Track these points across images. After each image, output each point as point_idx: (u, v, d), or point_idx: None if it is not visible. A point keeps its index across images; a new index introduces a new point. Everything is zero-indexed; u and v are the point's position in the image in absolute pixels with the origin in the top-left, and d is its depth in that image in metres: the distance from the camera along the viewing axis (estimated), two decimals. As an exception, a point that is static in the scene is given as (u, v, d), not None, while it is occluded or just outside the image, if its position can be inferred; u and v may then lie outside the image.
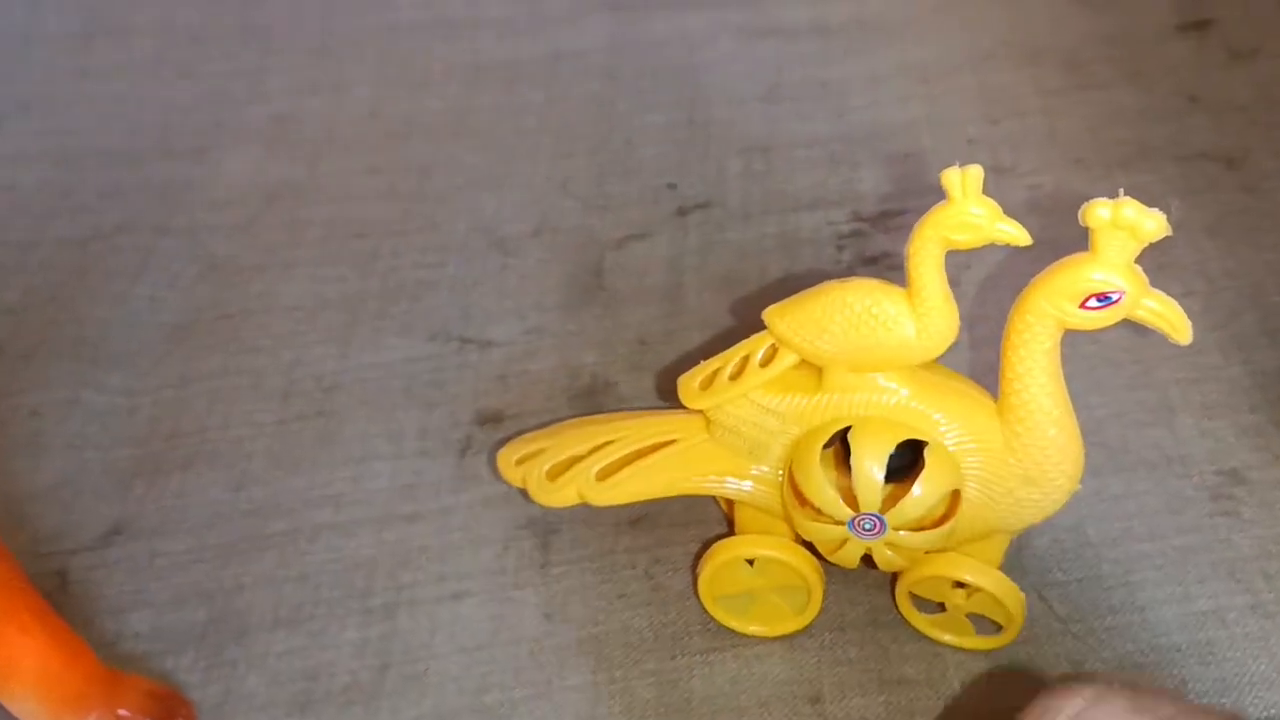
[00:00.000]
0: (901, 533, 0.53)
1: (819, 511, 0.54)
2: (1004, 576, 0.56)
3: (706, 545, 0.60)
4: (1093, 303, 0.49)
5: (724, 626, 0.59)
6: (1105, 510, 0.64)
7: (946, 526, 0.53)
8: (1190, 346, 0.71)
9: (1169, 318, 0.50)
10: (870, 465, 0.52)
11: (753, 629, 0.60)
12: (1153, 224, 0.47)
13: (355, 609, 0.61)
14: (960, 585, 0.57)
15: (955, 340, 0.52)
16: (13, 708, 0.49)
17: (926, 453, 0.52)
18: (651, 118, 0.91)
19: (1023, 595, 0.57)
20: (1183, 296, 0.74)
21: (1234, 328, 0.72)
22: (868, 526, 0.53)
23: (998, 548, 0.58)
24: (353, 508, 0.66)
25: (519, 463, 0.62)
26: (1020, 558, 0.62)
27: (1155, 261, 0.78)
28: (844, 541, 0.55)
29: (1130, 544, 0.62)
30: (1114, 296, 0.49)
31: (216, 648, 0.60)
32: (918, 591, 0.59)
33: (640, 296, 0.78)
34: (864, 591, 0.61)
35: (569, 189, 0.86)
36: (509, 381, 0.73)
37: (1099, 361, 0.71)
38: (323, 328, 0.77)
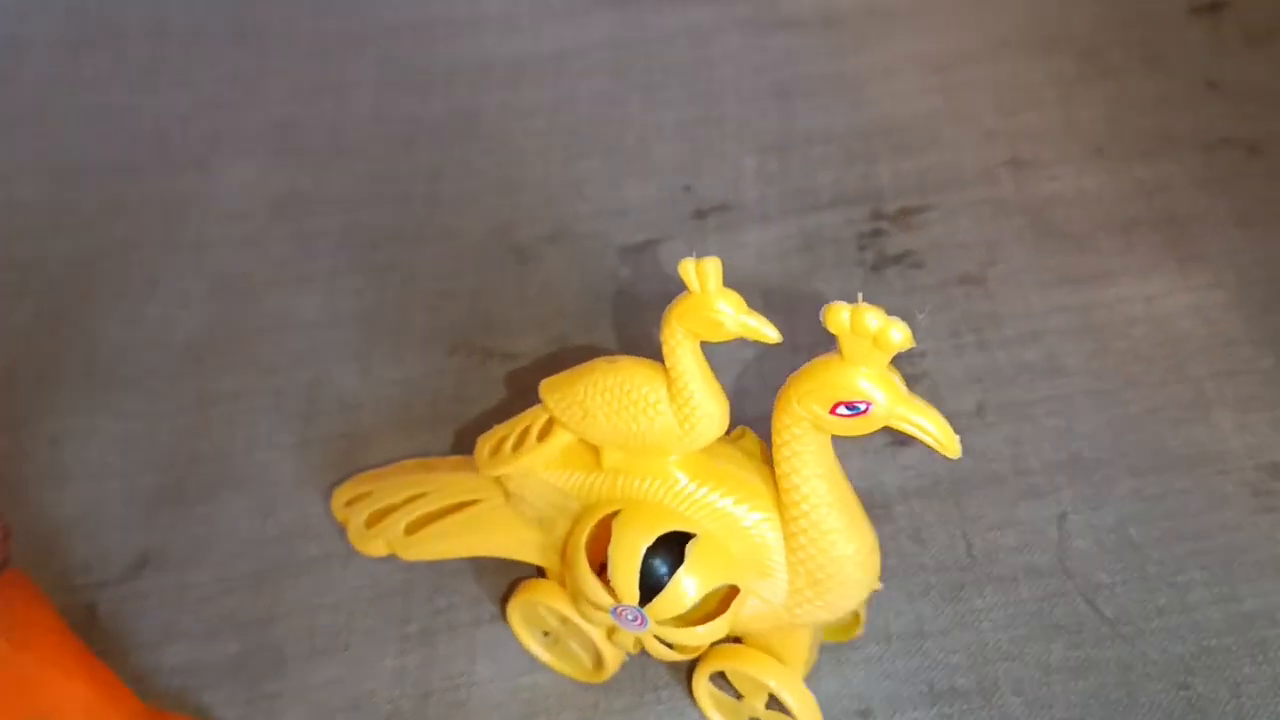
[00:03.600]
0: (668, 628, 0.51)
1: (586, 594, 0.52)
2: (798, 681, 0.53)
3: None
4: (842, 410, 0.45)
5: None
6: (1146, 510, 0.63)
7: (716, 624, 0.51)
8: (1222, 340, 0.72)
9: (932, 432, 0.45)
10: (624, 556, 0.49)
11: (556, 664, 0.59)
12: (899, 335, 0.42)
13: (393, 636, 0.60)
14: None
15: (725, 427, 0.49)
16: (57, 754, 0.48)
17: (691, 546, 0.49)
18: (663, 116, 0.90)
19: (816, 706, 0.54)
20: (1212, 288, 0.75)
21: (1268, 320, 0.71)
22: (630, 617, 0.51)
23: (801, 643, 0.54)
24: (383, 529, 0.65)
25: (349, 504, 0.62)
26: (1064, 559, 0.61)
27: (1185, 252, 0.78)
28: (614, 627, 0.53)
29: (1174, 544, 0.62)
30: (861, 406, 0.45)
31: (254, 680, 0.58)
32: (730, 678, 0.56)
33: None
34: (907, 601, 0.60)
35: (583, 192, 0.84)
36: (534, 396, 0.72)
37: (1131, 358, 0.70)
38: (341, 344, 0.75)
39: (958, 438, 0.46)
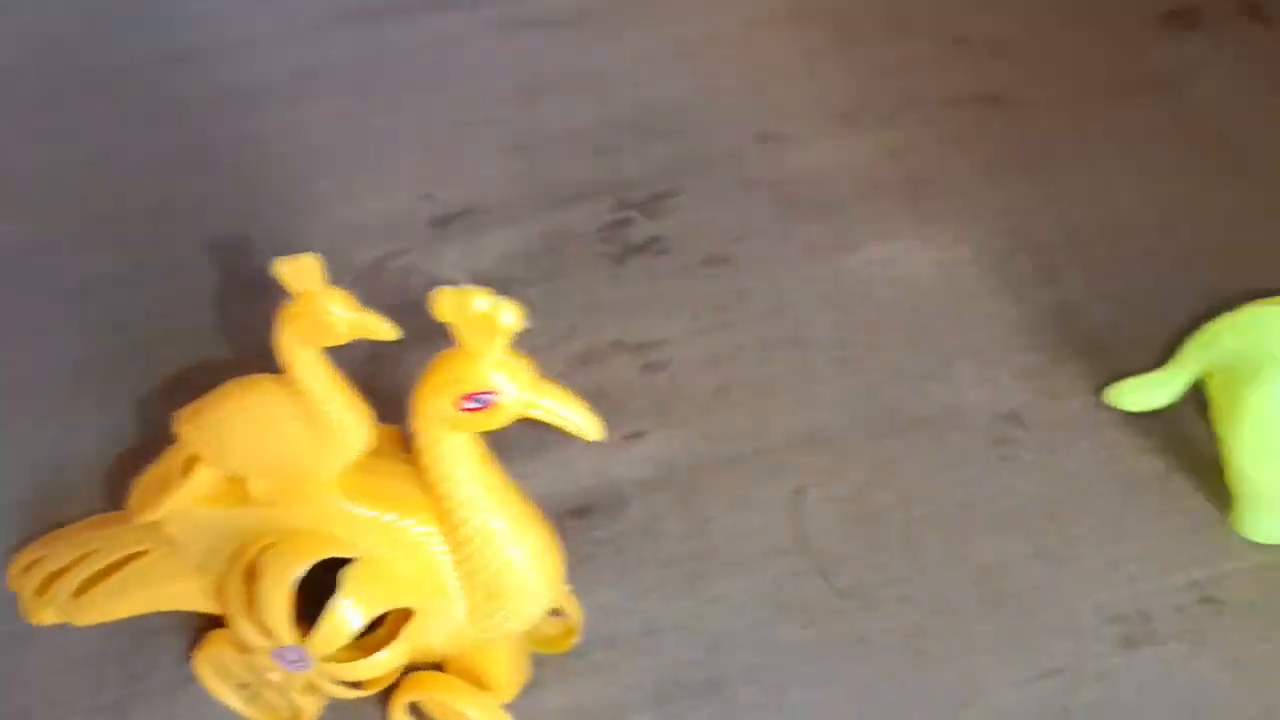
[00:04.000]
0: (336, 665, 0.47)
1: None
2: (493, 707, 0.49)
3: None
4: (469, 403, 0.42)
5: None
6: (885, 475, 0.60)
7: (388, 653, 0.47)
8: (964, 294, 0.70)
9: (569, 417, 0.42)
10: (273, 591, 0.46)
11: (259, 717, 0.54)
12: (510, 317, 0.40)
13: (82, 709, 0.55)
14: None
15: (368, 438, 0.45)
16: None
17: (345, 572, 0.45)
18: (406, 128, 0.86)
19: None
20: (954, 244, 0.74)
21: (1008, 270, 0.70)
22: (292, 658, 0.47)
23: (502, 661, 0.50)
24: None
25: (25, 570, 0.57)
26: (802, 536, 0.59)
27: (929, 211, 0.77)
28: (284, 674, 0.49)
29: (912, 506, 0.59)
30: (487, 397, 0.41)
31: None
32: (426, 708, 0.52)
33: (399, 315, 0.73)
34: (638, 599, 0.56)
35: (319, 213, 0.80)
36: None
37: (874, 322, 0.68)
38: (48, 404, 0.70)
39: (598, 421, 0.43)
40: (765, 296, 0.71)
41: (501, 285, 0.73)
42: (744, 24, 0.91)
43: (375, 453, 0.46)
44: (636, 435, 0.64)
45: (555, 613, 0.53)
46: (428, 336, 0.74)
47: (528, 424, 0.65)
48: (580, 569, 0.58)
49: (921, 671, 0.53)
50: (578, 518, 0.61)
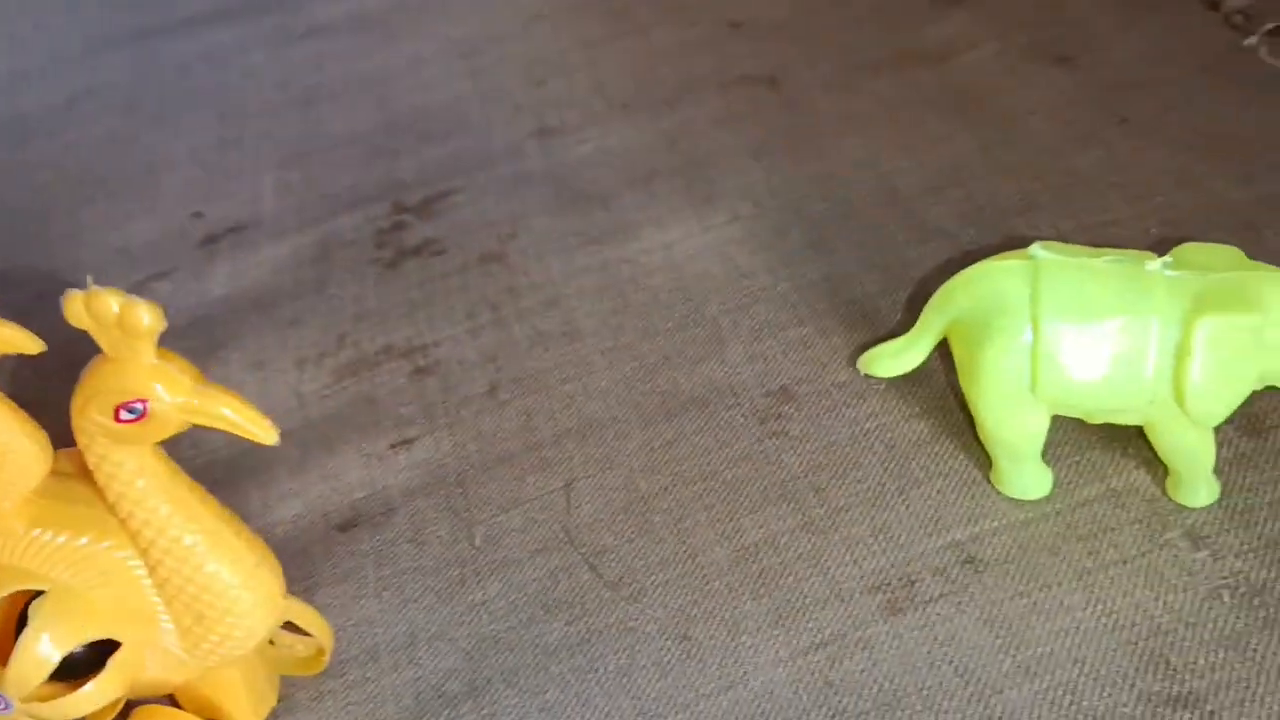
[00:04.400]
0: (41, 704, 0.43)
1: None
2: None
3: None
4: (124, 414, 0.39)
5: None
6: (655, 460, 0.59)
7: (94, 688, 0.44)
8: (738, 273, 0.69)
9: (236, 420, 0.40)
10: None
11: None
12: (147, 317, 0.38)
13: None
14: None
15: (46, 462, 0.43)
16: None
17: (34, 606, 0.43)
18: (177, 146, 0.83)
19: None
20: (728, 224, 0.73)
21: (780, 246, 0.69)
22: None
23: (234, 689, 0.48)
24: None
25: None
26: (571, 529, 0.57)
27: (704, 193, 0.76)
28: None
29: (681, 489, 0.58)
30: (138, 406, 0.39)
31: None
32: None
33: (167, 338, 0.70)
34: (399, 609, 0.54)
35: (86, 239, 0.77)
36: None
37: (649, 309, 0.67)
38: None
39: (269, 422, 0.40)
40: (538, 291, 0.69)
41: (271, 299, 0.71)
42: (524, 19, 0.90)
43: (66, 476, 0.44)
44: (405, 442, 0.62)
45: (299, 631, 0.51)
46: (197, 356, 0.71)
47: (288, 438, 0.63)
48: (343, 584, 0.56)
49: (687, 657, 0.51)
50: (343, 531, 0.59)
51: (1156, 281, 0.49)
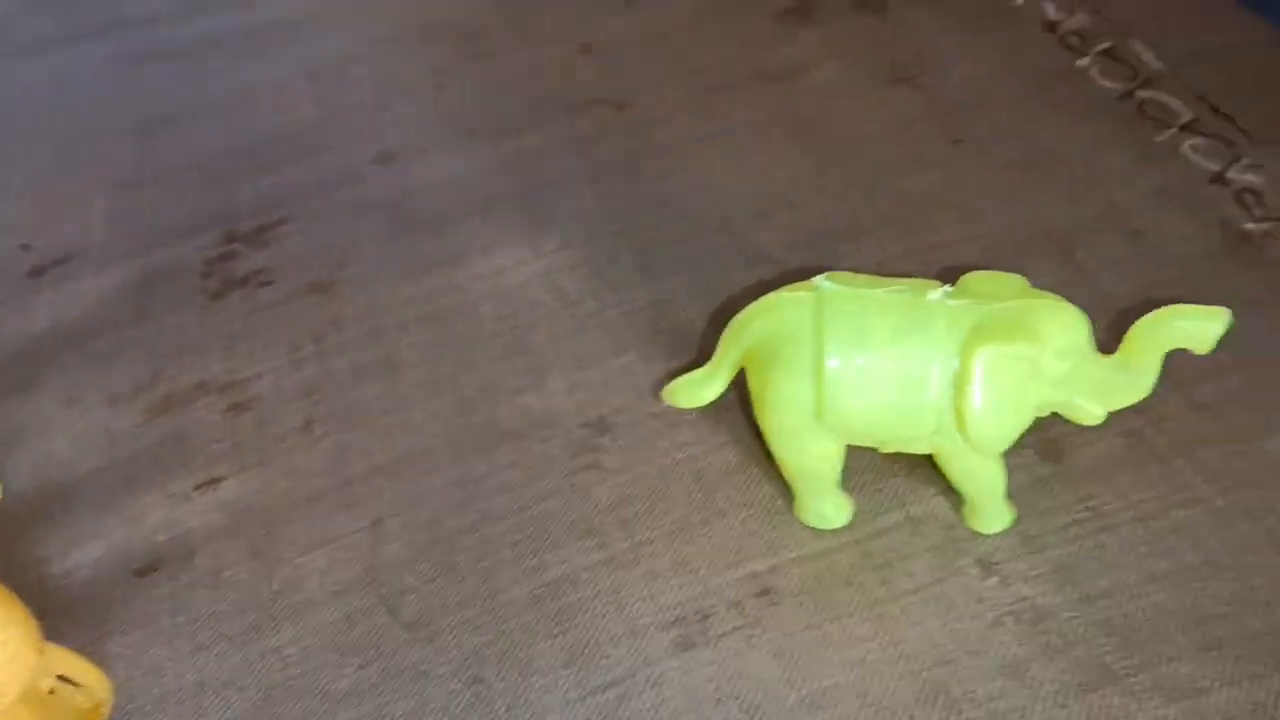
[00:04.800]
0: None
1: None
2: None
3: None
4: None
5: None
6: (465, 496, 0.58)
7: None
8: (566, 301, 0.68)
9: None
10: None
11: None
12: None
13: None
14: None
15: None
16: None
17: None
18: (8, 174, 0.81)
19: None
20: (559, 251, 0.72)
21: (610, 272, 0.69)
22: None
23: None
24: None
25: None
26: (374, 570, 0.56)
27: (539, 219, 0.75)
28: None
29: (488, 525, 0.57)
30: None
31: None
32: None
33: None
34: (191, 656, 0.53)
35: (-100, 274, 0.74)
36: None
37: (473, 338, 0.66)
38: None
39: None
40: (363, 321, 0.68)
41: (90, 332, 0.70)
42: (373, 42, 0.89)
43: None
44: (213, 482, 0.60)
45: (72, 683, 0.49)
46: (10, 393, 0.69)
47: (94, 478, 0.62)
48: (137, 631, 0.55)
49: (477, 700, 0.50)
50: (141, 576, 0.57)
51: (938, 311, 0.49)
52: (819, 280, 0.51)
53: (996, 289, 0.50)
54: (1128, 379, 0.50)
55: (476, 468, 0.60)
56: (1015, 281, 0.51)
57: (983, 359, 0.48)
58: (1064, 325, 0.49)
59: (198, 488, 0.60)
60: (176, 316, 0.69)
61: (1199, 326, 0.49)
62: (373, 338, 0.67)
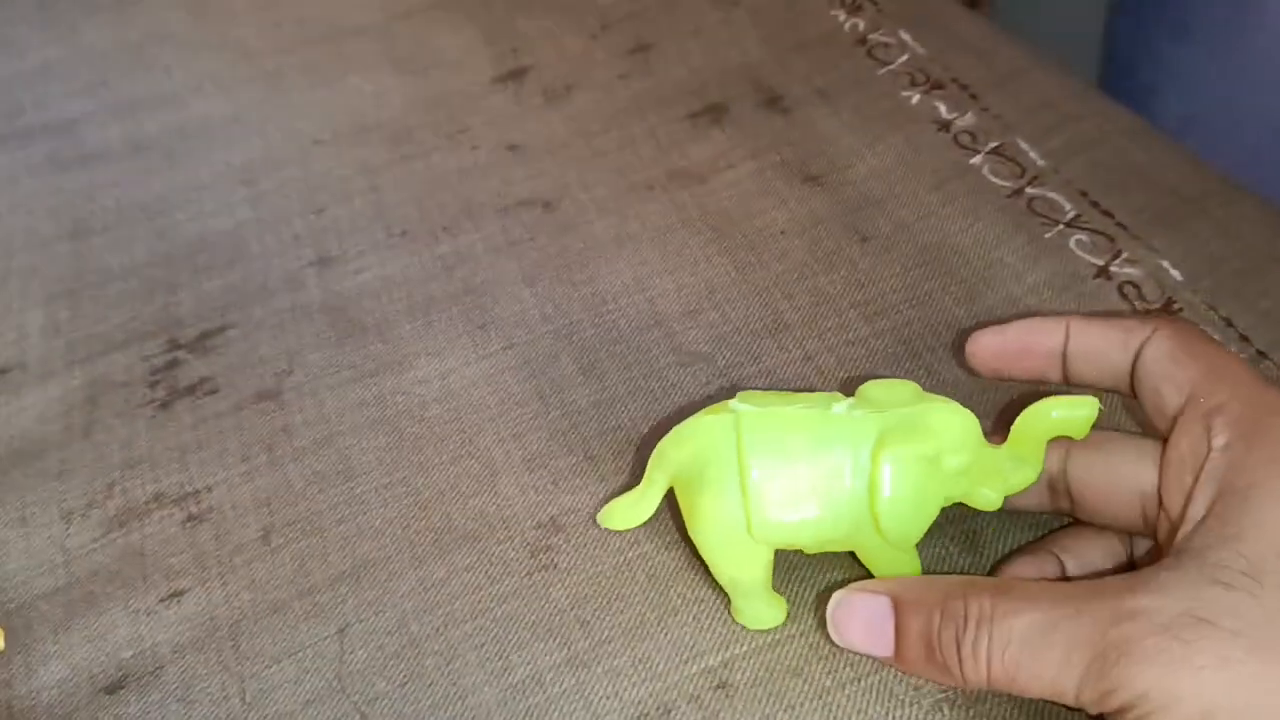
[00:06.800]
0: None
1: None
2: None
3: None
4: None
5: None
6: (428, 600, 0.61)
7: None
8: (512, 402, 0.72)
9: None
10: None
11: None
12: None
13: None
14: None
15: None
16: None
17: None
18: (-63, 285, 0.81)
19: None
20: (503, 351, 0.76)
21: (552, 372, 0.72)
22: None
23: None
24: None
25: None
26: (343, 677, 0.58)
27: (480, 321, 0.78)
28: None
29: (453, 629, 0.60)
30: None
31: None
32: None
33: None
34: None
35: None
36: None
37: (424, 442, 0.69)
38: None
39: None
40: (313, 429, 0.70)
41: (37, 448, 0.70)
42: (305, 144, 0.91)
43: None
44: (176, 595, 0.62)
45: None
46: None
47: (53, 596, 0.62)
48: (108, 752, 0.56)
49: (454, 803, 0.53)
50: (109, 694, 0.58)
51: (843, 422, 0.54)
52: (734, 403, 0.56)
53: (892, 396, 0.56)
54: (1018, 466, 0.56)
55: (436, 571, 0.62)
56: (908, 387, 0.56)
57: (888, 463, 0.53)
58: (956, 425, 0.55)
59: (161, 601, 0.61)
60: (126, 428, 0.71)
61: (1073, 414, 0.54)
62: (324, 444, 0.69)
